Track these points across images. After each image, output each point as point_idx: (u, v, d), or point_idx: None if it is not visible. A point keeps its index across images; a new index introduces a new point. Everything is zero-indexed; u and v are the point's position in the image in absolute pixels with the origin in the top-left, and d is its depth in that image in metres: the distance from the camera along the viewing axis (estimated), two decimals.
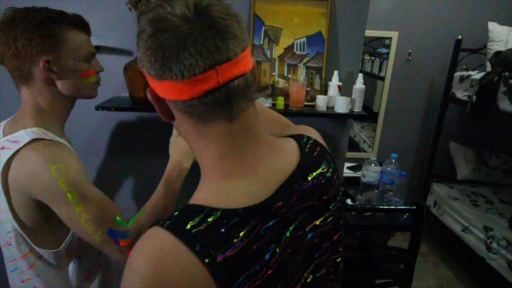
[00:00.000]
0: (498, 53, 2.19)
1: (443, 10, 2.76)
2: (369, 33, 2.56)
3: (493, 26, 2.53)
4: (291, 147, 0.57)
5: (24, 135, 0.75)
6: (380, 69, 2.92)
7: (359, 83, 1.47)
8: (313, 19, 1.43)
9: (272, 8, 1.41)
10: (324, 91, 1.51)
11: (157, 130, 1.58)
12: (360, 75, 1.48)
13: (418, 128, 3.07)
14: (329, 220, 0.58)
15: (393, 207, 1.66)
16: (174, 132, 1.05)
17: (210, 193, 0.49)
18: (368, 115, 1.60)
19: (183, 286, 0.40)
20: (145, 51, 0.44)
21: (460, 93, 2.54)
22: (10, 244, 0.82)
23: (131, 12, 1.29)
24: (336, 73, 1.46)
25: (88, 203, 0.76)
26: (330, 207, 0.58)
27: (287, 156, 0.55)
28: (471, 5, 2.77)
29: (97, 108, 1.33)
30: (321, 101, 1.44)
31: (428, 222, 2.89)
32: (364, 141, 3.10)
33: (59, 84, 0.82)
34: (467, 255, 2.42)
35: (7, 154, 0.74)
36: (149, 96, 0.50)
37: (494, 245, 2.18)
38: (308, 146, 0.59)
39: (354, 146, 3.05)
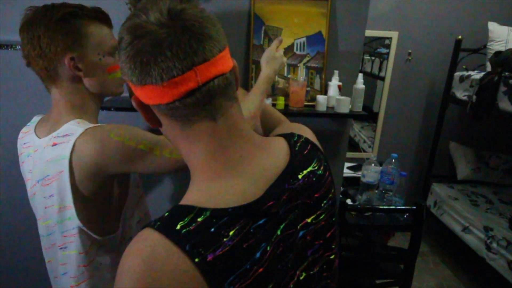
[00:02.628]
0: (498, 53, 2.19)
1: (443, 10, 2.76)
2: (369, 33, 2.56)
3: (493, 26, 2.53)
4: (281, 146, 0.58)
5: (73, 127, 0.76)
6: (380, 69, 2.92)
7: (359, 83, 1.47)
8: (313, 19, 1.43)
9: (272, 8, 1.41)
10: (324, 91, 1.51)
11: (157, 130, 1.58)
12: (360, 75, 1.48)
13: (418, 128, 3.07)
14: (321, 217, 0.58)
15: (393, 207, 1.66)
16: (273, 46, 1.04)
17: (200, 194, 0.49)
18: (368, 115, 1.60)
19: (175, 287, 0.41)
20: (125, 59, 0.46)
21: (460, 93, 2.54)
22: (65, 247, 0.81)
23: (131, 12, 1.29)
24: (336, 73, 1.46)
25: (159, 141, 0.78)
26: (322, 204, 0.58)
27: (276, 155, 0.55)
28: (471, 5, 2.77)
29: None
30: (321, 101, 1.44)
31: (428, 222, 2.89)
32: (364, 141, 3.10)
33: (86, 81, 0.81)
34: (467, 255, 2.42)
35: (66, 148, 0.73)
36: (134, 104, 0.51)
37: (494, 245, 2.18)
38: (298, 144, 0.59)
39: (354, 146, 3.05)
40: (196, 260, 0.41)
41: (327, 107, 1.46)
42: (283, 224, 0.51)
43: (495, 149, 3.03)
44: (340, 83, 1.47)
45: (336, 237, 0.62)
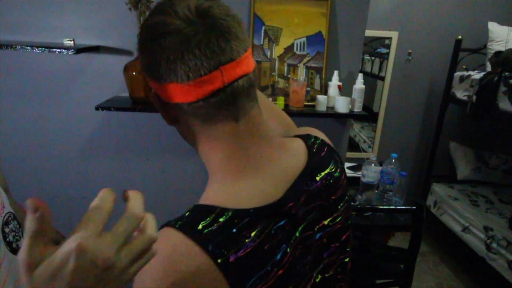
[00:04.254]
0: (498, 53, 2.19)
1: (443, 10, 2.76)
2: (369, 33, 2.56)
3: (493, 26, 2.53)
4: (299, 147, 0.57)
5: None
6: (380, 69, 2.92)
7: (359, 83, 1.47)
8: (313, 19, 1.43)
9: (272, 8, 1.41)
10: (324, 91, 1.51)
11: (157, 130, 1.58)
12: (360, 75, 1.48)
13: (418, 128, 3.07)
14: (338, 220, 0.57)
15: (393, 207, 1.66)
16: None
17: (220, 193, 0.48)
18: (368, 115, 1.60)
19: (196, 287, 0.40)
20: (149, 55, 0.44)
21: (460, 93, 2.54)
22: None
23: (131, 12, 1.29)
24: (336, 73, 1.46)
25: None
26: (339, 207, 0.58)
27: (295, 155, 0.55)
28: (471, 5, 2.76)
29: (97, 108, 1.33)
30: (321, 101, 1.44)
31: (428, 222, 2.89)
32: (364, 141, 3.10)
33: None
34: (467, 255, 2.42)
35: None
36: (153, 101, 0.49)
37: (494, 245, 2.18)
38: (315, 146, 0.59)
39: (354, 146, 3.05)
40: (219, 260, 0.41)
41: (327, 107, 1.46)
42: (302, 226, 0.51)
43: (495, 149, 3.03)
44: (340, 83, 1.47)
45: (350, 240, 0.62)
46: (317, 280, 0.54)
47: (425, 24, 2.78)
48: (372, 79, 2.98)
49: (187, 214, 0.46)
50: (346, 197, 0.60)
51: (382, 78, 2.87)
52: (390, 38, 2.78)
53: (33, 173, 1.62)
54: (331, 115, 1.44)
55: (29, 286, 0.29)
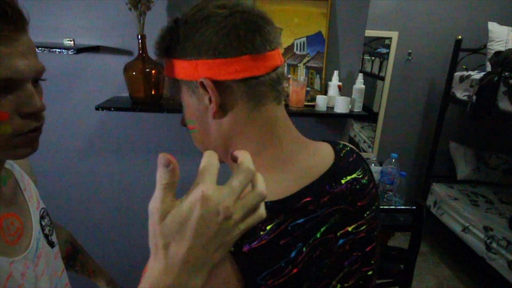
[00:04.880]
0: (498, 53, 2.19)
1: (443, 10, 2.76)
2: (369, 33, 2.56)
3: (493, 26, 2.53)
4: (325, 149, 0.58)
5: None
6: (380, 69, 2.92)
7: (359, 83, 1.47)
8: (313, 19, 1.43)
9: (272, 8, 1.41)
10: (324, 91, 1.51)
11: (157, 130, 1.58)
12: (360, 75, 1.48)
13: (418, 128, 3.07)
14: (362, 228, 0.56)
15: (393, 207, 1.66)
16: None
17: None
18: (368, 115, 1.60)
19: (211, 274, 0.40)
20: (219, 31, 0.46)
21: (460, 93, 2.54)
22: None
23: (131, 12, 1.29)
24: (336, 73, 1.46)
25: None
26: (365, 215, 0.56)
27: (321, 156, 0.56)
28: (471, 5, 2.77)
29: (97, 108, 1.33)
30: (321, 101, 1.44)
31: (428, 222, 2.89)
32: (364, 141, 3.10)
33: None
34: (467, 255, 2.42)
35: None
36: (206, 84, 0.48)
37: (494, 245, 2.18)
38: (344, 151, 0.59)
39: (354, 146, 3.04)
40: (232, 249, 0.41)
41: (327, 107, 1.46)
42: (324, 228, 0.50)
43: (495, 149, 3.03)
44: (340, 83, 1.47)
45: (376, 253, 0.60)
46: None
47: (425, 24, 2.78)
48: (372, 79, 2.98)
49: None
50: (374, 207, 0.59)
51: (382, 78, 2.87)
52: (390, 38, 2.78)
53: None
54: (331, 115, 1.44)
55: (160, 234, 0.32)
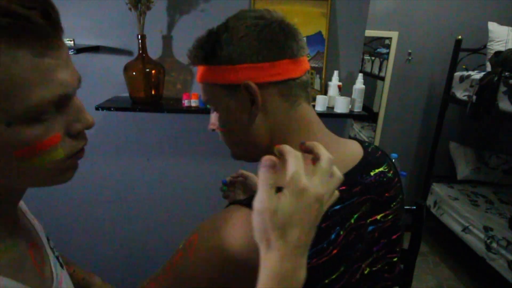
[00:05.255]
0: (498, 53, 2.19)
1: (443, 10, 2.76)
2: (369, 33, 2.56)
3: (493, 26, 2.53)
4: (354, 145, 0.63)
5: None
6: (380, 69, 2.92)
7: (359, 83, 1.47)
8: (313, 19, 1.43)
9: (272, 8, 1.41)
10: (324, 91, 1.51)
11: (157, 130, 1.58)
12: (360, 75, 1.48)
13: (418, 128, 3.07)
14: (389, 217, 0.60)
15: None
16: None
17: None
18: (368, 115, 1.60)
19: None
20: (261, 38, 0.52)
21: (460, 93, 2.54)
22: None
23: (131, 12, 1.29)
24: (336, 73, 1.46)
25: None
26: (392, 205, 0.61)
27: (351, 150, 0.61)
28: (471, 5, 2.76)
29: (97, 108, 1.33)
30: (321, 101, 1.44)
31: (428, 222, 2.89)
32: None
33: None
34: (467, 255, 2.42)
35: None
36: (250, 87, 0.52)
37: (494, 245, 2.18)
38: (370, 148, 0.64)
39: None
40: None
41: (327, 107, 1.46)
42: (357, 214, 0.55)
43: (495, 149, 3.03)
44: (340, 83, 1.47)
45: (401, 241, 0.65)
46: (366, 272, 0.58)
47: (425, 24, 2.78)
48: (372, 79, 2.98)
49: (254, 194, 0.50)
50: (399, 199, 0.63)
51: (382, 78, 2.87)
52: (390, 38, 2.78)
53: None
54: (331, 115, 1.44)
55: (273, 228, 0.37)
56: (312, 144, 0.43)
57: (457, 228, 2.55)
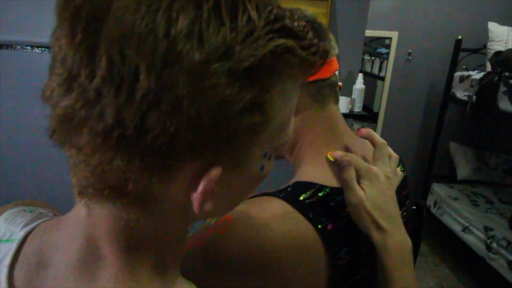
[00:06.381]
0: (498, 53, 2.19)
1: (443, 10, 2.76)
2: (369, 33, 2.56)
3: (493, 26, 2.53)
4: (371, 145, 0.65)
5: None
6: (380, 69, 2.92)
7: (359, 83, 1.47)
8: None
9: None
10: None
11: None
12: (360, 75, 1.48)
13: (418, 128, 3.07)
14: (404, 214, 0.62)
15: None
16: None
17: (317, 174, 0.54)
18: (368, 115, 1.60)
19: (296, 245, 0.46)
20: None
21: (460, 93, 2.54)
22: None
23: None
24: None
25: None
26: (406, 203, 0.63)
27: (370, 151, 0.62)
28: (471, 5, 2.76)
29: None
30: None
31: (428, 222, 2.89)
32: None
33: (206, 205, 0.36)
34: (467, 255, 2.42)
35: None
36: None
37: (494, 245, 2.18)
38: None
39: None
40: (319, 226, 0.47)
41: None
42: None
43: (495, 149, 3.03)
44: (340, 83, 1.47)
45: (411, 235, 0.69)
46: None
47: (425, 24, 2.78)
48: (372, 79, 2.98)
49: (288, 189, 0.51)
50: (410, 197, 0.67)
51: (382, 78, 2.87)
52: (390, 38, 2.78)
53: (33, 173, 1.62)
54: None
55: (374, 212, 0.47)
56: (367, 131, 0.52)
57: (457, 228, 2.55)
